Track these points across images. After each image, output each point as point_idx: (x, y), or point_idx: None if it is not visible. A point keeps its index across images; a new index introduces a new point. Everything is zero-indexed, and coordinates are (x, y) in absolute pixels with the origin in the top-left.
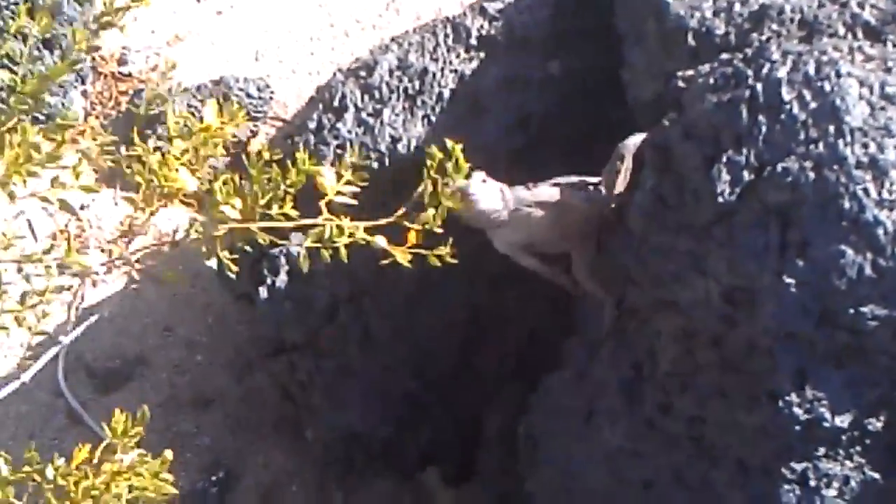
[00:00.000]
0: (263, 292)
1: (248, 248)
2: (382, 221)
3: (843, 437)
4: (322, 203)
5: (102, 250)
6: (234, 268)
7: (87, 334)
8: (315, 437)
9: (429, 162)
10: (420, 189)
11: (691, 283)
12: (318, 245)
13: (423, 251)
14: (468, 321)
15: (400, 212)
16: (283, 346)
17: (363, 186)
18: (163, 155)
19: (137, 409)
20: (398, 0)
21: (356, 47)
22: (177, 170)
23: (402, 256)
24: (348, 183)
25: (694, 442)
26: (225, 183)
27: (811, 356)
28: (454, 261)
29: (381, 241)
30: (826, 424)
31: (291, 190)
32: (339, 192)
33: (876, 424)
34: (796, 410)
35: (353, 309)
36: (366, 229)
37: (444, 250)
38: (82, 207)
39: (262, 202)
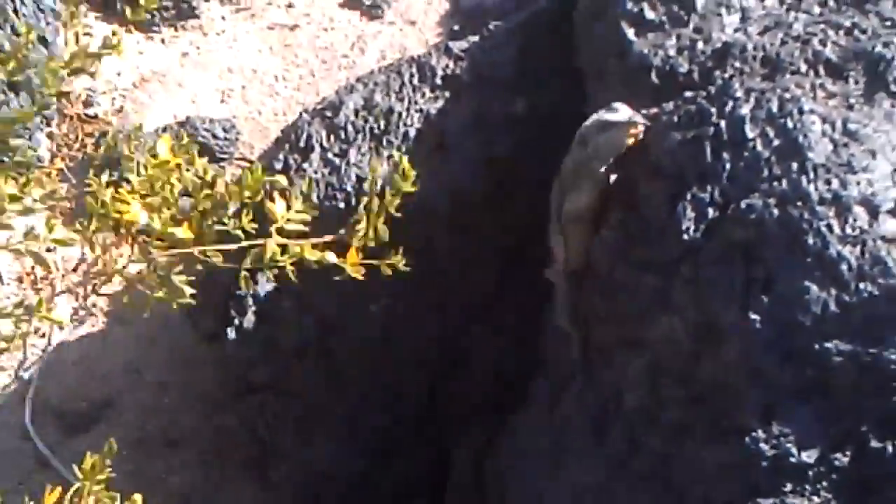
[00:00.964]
0: (231, 333)
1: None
2: (324, 238)
3: (810, 473)
4: (272, 228)
5: (70, 292)
6: (190, 290)
7: (54, 377)
8: (284, 477)
9: (370, 176)
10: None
11: (657, 320)
12: (260, 267)
13: (374, 262)
14: (436, 357)
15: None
16: (252, 385)
17: (316, 216)
18: (116, 189)
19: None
20: (363, 39)
21: (322, 87)
22: (128, 202)
23: (353, 270)
24: (298, 212)
25: (662, 479)
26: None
27: (777, 392)
28: (406, 268)
29: (330, 256)
30: (793, 460)
31: (249, 201)
32: (289, 220)
33: (842, 459)
34: (763, 446)
35: (320, 348)
36: (313, 247)
37: (396, 259)
38: (49, 250)
39: (210, 221)
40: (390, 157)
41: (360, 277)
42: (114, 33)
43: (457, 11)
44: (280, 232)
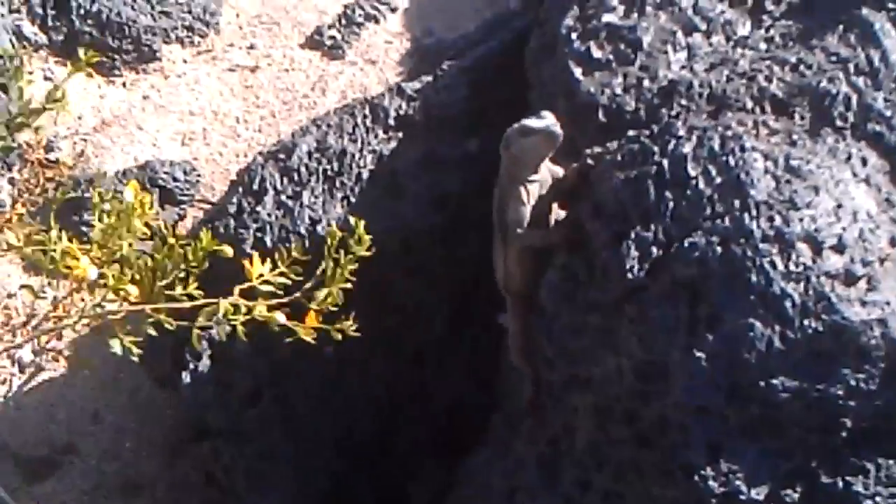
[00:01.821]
0: (186, 377)
1: (153, 331)
2: (283, 300)
3: None
4: (237, 287)
5: (27, 334)
6: (137, 350)
7: (14, 422)
8: None
9: (328, 240)
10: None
11: (603, 359)
12: (210, 325)
13: (324, 326)
14: (391, 399)
15: (303, 290)
16: (207, 430)
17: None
18: (70, 240)
19: (66, 497)
20: (324, 80)
21: (283, 128)
22: (77, 258)
23: (305, 333)
24: (281, 274)
25: None
26: (123, 267)
27: (724, 429)
28: (356, 334)
29: (280, 317)
30: (742, 497)
31: (195, 270)
32: (265, 281)
33: (793, 496)
34: (711, 484)
35: (275, 392)
36: (269, 308)
37: (346, 324)
38: (10, 296)
39: (162, 283)
40: (344, 198)
41: (312, 341)
42: (56, 87)
43: (417, 50)
44: (250, 291)
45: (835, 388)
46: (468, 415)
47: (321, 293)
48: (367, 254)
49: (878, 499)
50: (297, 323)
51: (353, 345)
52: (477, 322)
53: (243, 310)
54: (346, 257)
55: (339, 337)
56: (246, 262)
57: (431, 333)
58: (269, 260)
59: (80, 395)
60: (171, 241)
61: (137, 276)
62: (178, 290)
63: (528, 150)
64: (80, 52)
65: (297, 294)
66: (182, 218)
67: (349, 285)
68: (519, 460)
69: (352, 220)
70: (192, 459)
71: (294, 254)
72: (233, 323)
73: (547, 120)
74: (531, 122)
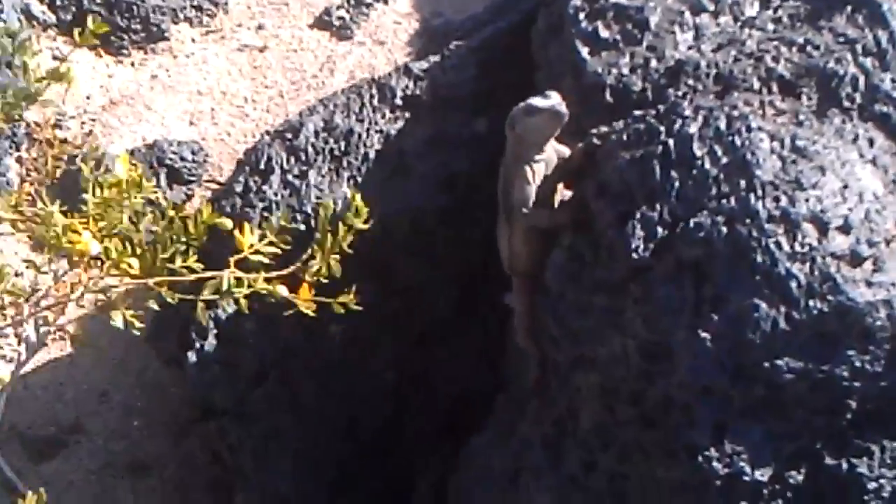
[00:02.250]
0: (192, 357)
1: (155, 305)
2: (282, 273)
3: (765, 491)
4: (232, 259)
5: (37, 318)
6: (138, 324)
7: (21, 402)
8: (246, 502)
9: (322, 213)
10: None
11: (608, 339)
12: (216, 297)
13: (326, 300)
14: (397, 381)
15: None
16: (214, 410)
17: (288, 248)
18: (71, 216)
19: (73, 476)
20: (333, 60)
21: (291, 108)
22: (79, 232)
23: (305, 306)
24: (271, 244)
25: (617, 499)
26: (124, 241)
27: (729, 410)
28: (358, 307)
29: (282, 290)
30: (746, 478)
31: (195, 243)
32: (257, 251)
33: (797, 477)
34: (716, 465)
35: (281, 372)
36: (267, 280)
37: (347, 297)
38: (17, 274)
39: (163, 256)
40: (350, 178)
41: (311, 314)
42: (62, 61)
43: (426, 31)
44: (240, 262)
45: (840, 370)
46: (475, 396)
47: (315, 265)
48: (365, 227)
49: (882, 480)
50: (298, 296)
51: (358, 326)
52: (484, 303)
53: (245, 283)
54: (344, 229)
55: (342, 310)
56: (236, 232)
57: (438, 314)
58: (256, 230)
59: (87, 375)
60: (171, 213)
61: (139, 251)
62: (178, 262)
63: (534, 130)
64: (89, 22)
65: (293, 267)
66: (190, 198)
67: (347, 254)
68: (524, 441)
69: (348, 192)
70: (199, 439)
71: (282, 222)
72: (236, 296)
73: (552, 99)
74: (537, 102)
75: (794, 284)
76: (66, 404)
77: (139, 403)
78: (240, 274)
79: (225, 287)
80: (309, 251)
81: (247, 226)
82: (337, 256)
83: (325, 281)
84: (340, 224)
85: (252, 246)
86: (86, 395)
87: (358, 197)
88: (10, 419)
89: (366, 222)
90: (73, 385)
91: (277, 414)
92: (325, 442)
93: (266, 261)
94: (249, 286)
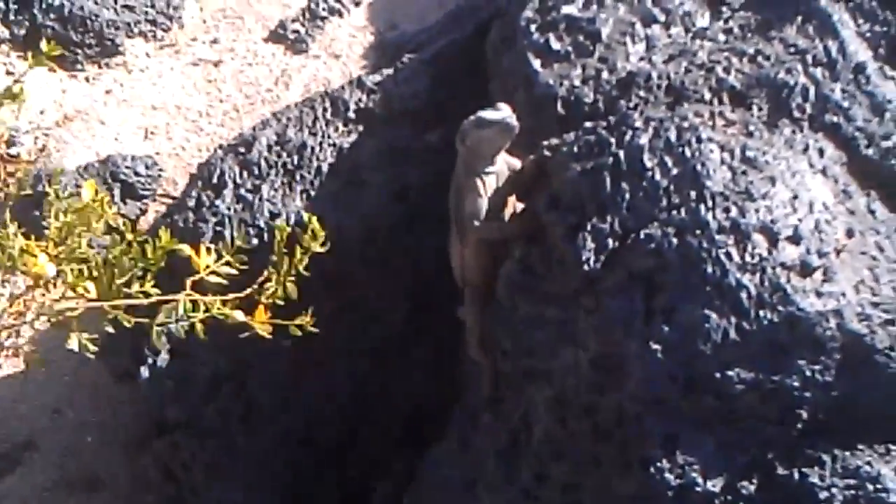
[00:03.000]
0: (144, 371)
1: (110, 328)
2: (238, 295)
3: (717, 502)
4: (188, 280)
5: None
6: (93, 348)
7: None
8: None
9: (277, 235)
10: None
11: (561, 351)
12: (171, 321)
13: (283, 322)
14: (352, 393)
15: (254, 286)
16: (167, 425)
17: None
18: (27, 237)
19: (26, 493)
20: (287, 74)
21: (246, 122)
22: (35, 256)
23: (262, 329)
24: (227, 264)
25: None
26: (81, 263)
27: (680, 421)
28: (314, 329)
29: (238, 314)
30: (699, 489)
31: (152, 268)
32: (213, 272)
33: (749, 488)
34: (668, 476)
35: (234, 385)
36: (224, 303)
37: (303, 320)
38: None
39: (119, 281)
40: (303, 191)
41: (268, 336)
42: (16, 81)
43: (381, 44)
44: (200, 283)
45: (791, 380)
46: (431, 409)
47: (270, 287)
48: (322, 249)
49: (833, 490)
50: (253, 318)
51: (313, 339)
52: (437, 315)
53: (202, 307)
54: (300, 251)
55: (298, 333)
56: (192, 253)
57: (392, 327)
58: (213, 250)
59: (40, 391)
60: (130, 237)
61: (95, 274)
62: (136, 287)
63: (484, 142)
64: (42, 44)
65: (249, 290)
66: (144, 212)
67: (304, 276)
68: (478, 453)
69: (305, 215)
70: (153, 455)
71: (238, 242)
72: (191, 320)
73: (503, 112)
74: (487, 115)
75: (744, 295)
76: (20, 420)
77: (92, 419)
78: (196, 297)
79: (181, 312)
80: (265, 273)
81: (202, 247)
82: (293, 279)
83: (284, 303)
84: (297, 247)
85: (208, 267)
86: (38, 411)
87: (314, 219)
88: None
89: (322, 244)
90: (26, 401)
91: (231, 428)
92: (281, 454)
93: (223, 282)
94: (206, 310)
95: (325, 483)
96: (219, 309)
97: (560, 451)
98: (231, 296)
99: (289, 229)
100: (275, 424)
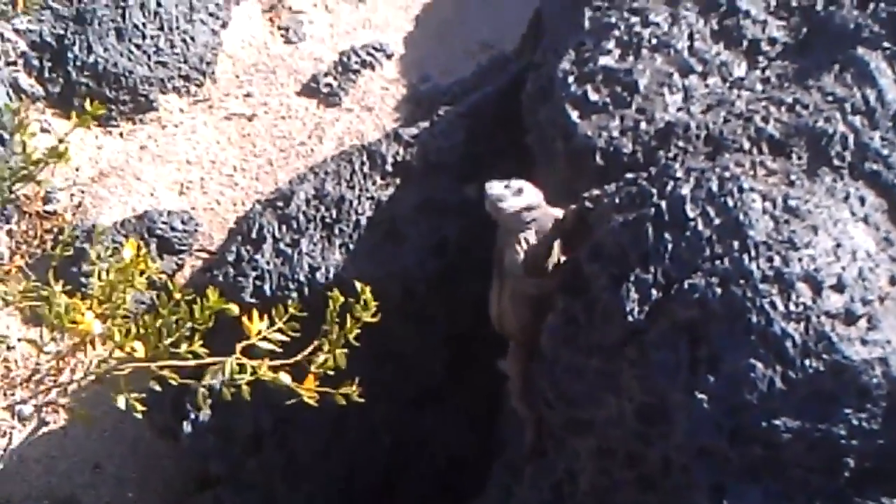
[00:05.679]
0: (187, 427)
1: (157, 386)
2: (287, 361)
3: None
4: (238, 345)
5: (30, 390)
6: (140, 407)
7: (15, 475)
8: None
9: (331, 304)
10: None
11: (605, 402)
12: (216, 382)
13: (329, 390)
14: (392, 444)
15: (305, 352)
16: (209, 479)
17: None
18: (71, 296)
19: None
20: (321, 127)
21: (280, 176)
22: (83, 314)
23: (308, 396)
24: (279, 331)
25: None
26: (129, 323)
27: (727, 471)
28: (361, 399)
29: (285, 378)
30: None
31: (200, 328)
32: (264, 338)
33: None
34: None
35: (276, 439)
36: (271, 367)
37: (350, 389)
38: (9, 348)
39: (167, 341)
40: (342, 245)
41: (315, 404)
42: (60, 140)
43: (413, 96)
44: (246, 348)
45: (837, 428)
46: (470, 461)
47: (321, 356)
48: (374, 320)
49: None
50: (300, 385)
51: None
52: (477, 366)
53: (248, 370)
54: (351, 321)
55: (343, 402)
56: (245, 319)
57: (432, 379)
58: (265, 316)
59: (80, 446)
60: (178, 295)
61: (142, 331)
62: (184, 347)
63: (505, 221)
64: (86, 104)
65: (299, 357)
66: (180, 267)
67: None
68: None
69: (358, 285)
70: None
71: (291, 310)
72: (238, 382)
73: (491, 189)
74: (491, 205)
75: (789, 344)
76: (60, 477)
77: (133, 475)
78: (243, 360)
79: (227, 374)
80: (315, 342)
81: (255, 312)
82: (344, 350)
83: (331, 372)
84: (348, 316)
85: (260, 332)
86: (79, 466)
87: (367, 290)
88: (3, 493)
89: (374, 315)
90: (66, 457)
91: (273, 481)
92: None
93: (274, 348)
94: (253, 372)
95: None
96: (265, 373)
97: (606, 503)
98: (279, 362)
99: (342, 299)
100: (316, 477)
